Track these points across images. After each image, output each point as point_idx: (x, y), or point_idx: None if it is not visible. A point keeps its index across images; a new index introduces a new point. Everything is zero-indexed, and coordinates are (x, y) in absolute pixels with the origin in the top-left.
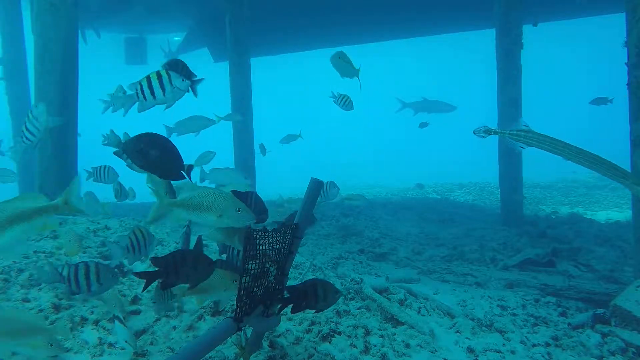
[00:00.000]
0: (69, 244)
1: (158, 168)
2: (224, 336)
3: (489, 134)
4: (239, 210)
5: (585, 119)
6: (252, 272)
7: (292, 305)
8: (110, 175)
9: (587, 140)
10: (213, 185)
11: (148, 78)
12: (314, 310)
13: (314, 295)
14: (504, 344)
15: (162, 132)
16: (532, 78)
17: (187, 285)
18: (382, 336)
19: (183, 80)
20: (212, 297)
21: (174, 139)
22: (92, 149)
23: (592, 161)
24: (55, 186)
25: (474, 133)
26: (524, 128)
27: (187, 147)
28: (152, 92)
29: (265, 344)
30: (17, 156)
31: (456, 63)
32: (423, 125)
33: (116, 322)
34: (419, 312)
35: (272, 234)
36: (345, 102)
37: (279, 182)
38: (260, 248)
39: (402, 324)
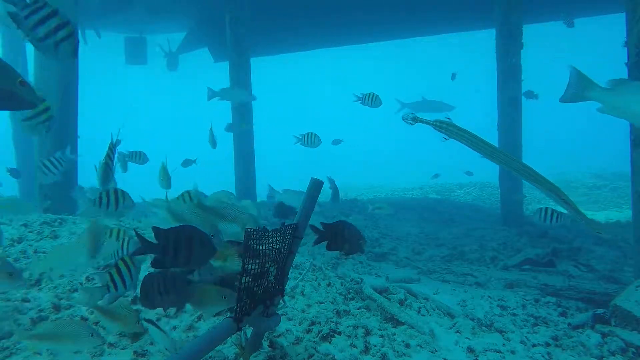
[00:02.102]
0: None
1: None
2: (224, 336)
3: (416, 122)
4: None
5: (585, 118)
6: (252, 272)
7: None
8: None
9: (587, 140)
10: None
11: None
12: (344, 253)
13: (341, 235)
14: (504, 344)
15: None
16: (532, 78)
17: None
18: (382, 336)
19: None
20: (204, 310)
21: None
22: (92, 149)
23: (507, 162)
24: (55, 186)
25: (403, 119)
26: (446, 120)
27: (188, 146)
28: None
29: (265, 344)
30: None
31: (456, 63)
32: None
33: (150, 326)
34: (419, 312)
35: (272, 234)
36: (372, 100)
37: (280, 182)
38: (261, 248)
39: (402, 324)
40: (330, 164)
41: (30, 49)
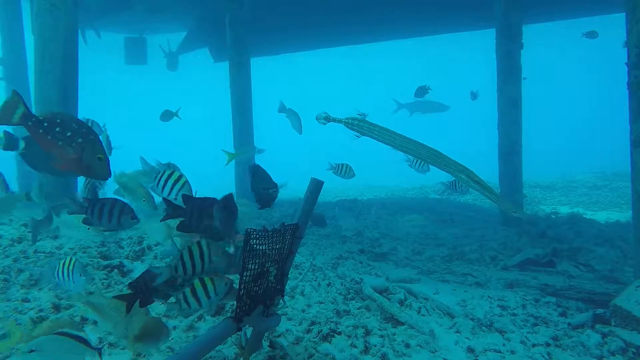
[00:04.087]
0: None
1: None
2: (224, 336)
3: (329, 121)
4: None
5: (584, 118)
6: (252, 272)
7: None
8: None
9: (587, 140)
10: None
11: None
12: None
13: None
14: (504, 344)
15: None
16: (532, 78)
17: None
18: (382, 336)
19: None
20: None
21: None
22: None
23: (417, 150)
24: (55, 186)
25: (316, 119)
26: (357, 117)
27: (187, 146)
28: None
29: (265, 344)
30: None
31: (456, 63)
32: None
33: None
34: (419, 312)
35: (272, 234)
36: (421, 166)
37: (280, 181)
38: (261, 248)
39: (402, 324)
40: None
41: (30, 50)
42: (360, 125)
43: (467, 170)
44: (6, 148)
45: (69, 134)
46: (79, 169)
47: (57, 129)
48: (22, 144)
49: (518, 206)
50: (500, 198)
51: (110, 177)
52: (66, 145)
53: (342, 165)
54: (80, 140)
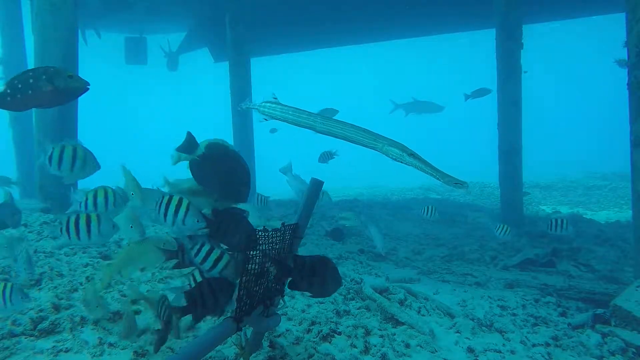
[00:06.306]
0: None
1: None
2: (224, 336)
3: (247, 108)
4: None
5: (585, 118)
6: (252, 272)
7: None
8: None
9: (587, 139)
10: None
11: None
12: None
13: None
14: (504, 344)
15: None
16: (533, 78)
17: None
18: (382, 336)
19: None
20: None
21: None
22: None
23: (340, 129)
24: (55, 186)
25: (238, 108)
26: (271, 100)
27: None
28: None
29: (265, 344)
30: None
31: (456, 63)
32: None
33: None
34: (419, 312)
35: (272, 234)
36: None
37: (279, 182)
38: (261, 248)
39: (402, 324)
40: (331, 164)
41: (30, 50)
42: (272, 108)
43: (399, 144)
44: (182, 149)
45: (31, 80)
46: (63, 96)
47: (20, 86)
48: (199, 151)
49: (460, 179)
50: (440, 172)
51: (89, 84)
52: (37, 89)
53: (429, 206)
54: (44, 76)
